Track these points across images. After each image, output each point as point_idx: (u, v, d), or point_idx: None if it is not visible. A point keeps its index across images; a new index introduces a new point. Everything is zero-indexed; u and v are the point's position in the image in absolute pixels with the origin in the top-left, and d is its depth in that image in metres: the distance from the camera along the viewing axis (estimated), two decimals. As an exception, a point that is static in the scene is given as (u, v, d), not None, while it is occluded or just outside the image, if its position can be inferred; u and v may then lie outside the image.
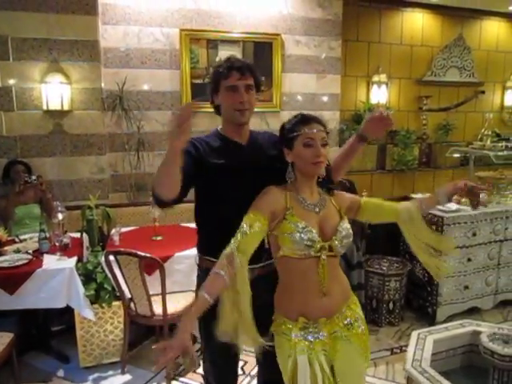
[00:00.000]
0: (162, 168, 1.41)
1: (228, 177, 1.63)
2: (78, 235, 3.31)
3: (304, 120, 1.55)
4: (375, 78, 4.81)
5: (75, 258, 2.91)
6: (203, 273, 1.73)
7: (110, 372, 2.96)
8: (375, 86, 4.81)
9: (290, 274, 1.55)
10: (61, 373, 2.96)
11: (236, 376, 1.89)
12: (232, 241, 1.43)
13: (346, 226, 1.58)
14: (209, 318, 1.67)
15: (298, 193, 1.55)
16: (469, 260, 3.52)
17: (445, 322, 3.28)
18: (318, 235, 1.50)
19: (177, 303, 2.91)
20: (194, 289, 3.02)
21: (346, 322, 1.56)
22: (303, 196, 1.55)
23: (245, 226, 1.45)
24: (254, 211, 1.48)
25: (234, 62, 1.67)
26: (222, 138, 1.74)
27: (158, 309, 2.80)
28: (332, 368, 1.52)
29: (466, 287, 3.56)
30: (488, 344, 1.99)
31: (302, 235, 1.46)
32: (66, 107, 3.59)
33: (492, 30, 5.54)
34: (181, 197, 1.53)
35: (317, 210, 1.56)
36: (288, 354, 1.50)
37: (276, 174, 1.61)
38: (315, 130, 1.51)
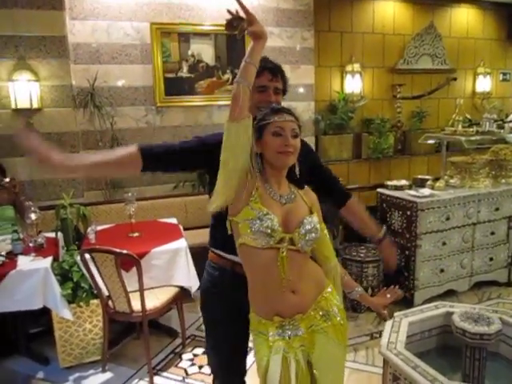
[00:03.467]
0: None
1: None
2: (53, 235, 3.26)
3: (275, 110, 1.53)
4: (349, 68, 4.85)
5: (50, 258, 2.87)
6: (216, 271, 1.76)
7: (91, 371, 2.94)
8: (349, 76, 4.84)
9: (250, 266, 1.51)
10: (41, 375, 2.92)
11: (243, 365, 1.85)
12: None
13: (313, 220, 1.51)
14: (210, 303, 1.76)
15: (266, 182, 1.52)
16: (444, 244, 3.59)
17: (423, 305, 3.34)
18: (281, 226, 1.45)
19: (155, 299, 2.90)
20: (175, 284, 3.06)
21: (321, 314, 1.52)
22: (271, 186, 1.52)
23: None
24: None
25: (268, 62, 1.70)
26: None
27: (136, 305, 2.78)
28: (309, 362, 1.50)
29: (442, 270, 3.63)
30: (459, 323, 2.03)
31: (262, 222, 1.42)
32: (35, 105, 3.52)
33: (462, 17, 5.62)
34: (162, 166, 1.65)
35: (283, 201, 1.51)
36: (264, 354, 1.47)
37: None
38: (285, 119, 1.50)
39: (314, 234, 1.50)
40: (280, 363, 1.43)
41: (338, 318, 1.55)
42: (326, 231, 1.62)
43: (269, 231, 1.42)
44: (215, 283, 1.75)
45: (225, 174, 1.41)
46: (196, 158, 1.66)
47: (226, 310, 1.71)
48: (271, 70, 1.68)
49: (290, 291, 1.47)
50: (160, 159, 1.61)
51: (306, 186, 1.63)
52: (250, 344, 1.68)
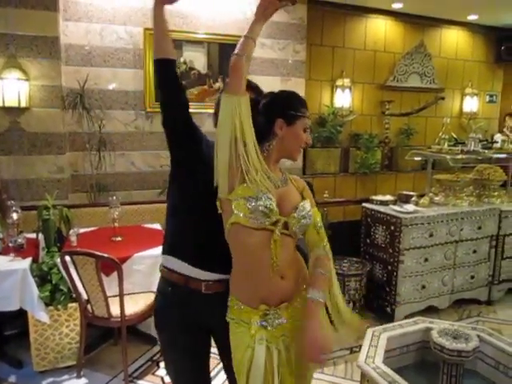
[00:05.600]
0: (154, 29, 1.57)
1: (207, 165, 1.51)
2: (34, 236, 3.21)
3: (305, 104, 1.58)
4: (339, 82, 4.90)
5: (30, 259, 2.83)
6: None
7: (66, 376, 2.89)
8: (339, 90, 4.89)
9: (240, 247, 1.46)
10: (13, 378, 2.86)
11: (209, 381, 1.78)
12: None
13: (307, 206, 1.50)
14: (165, 321, 1.67)
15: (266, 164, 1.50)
16: (426, 260, 3.62)
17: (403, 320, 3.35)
18: (277, 207, 1.44)
19: (135, 304, 2.87)
20: (155, 290, 3.02)
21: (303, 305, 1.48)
22: (268, 168, 1.50)
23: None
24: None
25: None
26: None
27: (115, 310, 2.75)
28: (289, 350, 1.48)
29: (423, 287, 3.65)
30: (438, 339, 2.04)
31: (261, 201, 1.38)
32: (23, 104, 3.49)
33: (451, 38, 5.74)
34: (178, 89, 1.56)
35: (277, 184, 1.50)
36: (247, 345, 1.44)
37: None
38: (309, 117, 1.59)
39: (308, 220, 1.49)
40: (264, 354, 1.42)
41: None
42: (319, 218, 1.59)
43: (266, 211, 1.39)
44: (170, 300, 1.64)
45: (221, 149, 1.40)
46: (185, 130, 1.58)
47: (183, 325, 1.62)
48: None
49: (279, 276, 1.45)
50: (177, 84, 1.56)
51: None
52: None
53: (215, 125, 1.55)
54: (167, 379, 2.87)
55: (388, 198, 3.92)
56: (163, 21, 1.55)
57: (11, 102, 3.45)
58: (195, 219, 1.59)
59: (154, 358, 3.10)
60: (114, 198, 3.24)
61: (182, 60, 4.19)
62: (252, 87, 1.61)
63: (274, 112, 1.53)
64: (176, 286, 1.61)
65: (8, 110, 3.52)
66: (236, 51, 1.41)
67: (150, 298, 2.95)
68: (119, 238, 3.20)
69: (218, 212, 1.48)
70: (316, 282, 1.48)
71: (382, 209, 3.75)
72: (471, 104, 5.86)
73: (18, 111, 3.55)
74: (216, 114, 1.57)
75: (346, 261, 3.82)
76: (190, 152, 1.58)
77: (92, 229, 3.50)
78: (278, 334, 1.45)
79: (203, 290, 1.57)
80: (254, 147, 1.41)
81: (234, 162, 1.39)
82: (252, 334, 1.43)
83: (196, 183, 1.57)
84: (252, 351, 1.43)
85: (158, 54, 1.55)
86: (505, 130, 5.53)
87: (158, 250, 3.00)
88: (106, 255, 2.60)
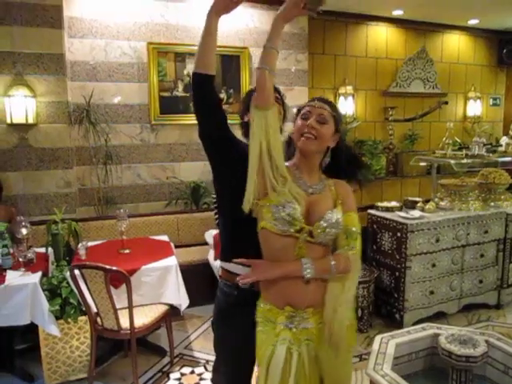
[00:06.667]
0: (200, 40, 1.50)
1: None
2: (43, 250, 3.25)
3: (313, 98, 1.58)
4: (342, 90, 4.94)
5: (40, 273, 2.86)
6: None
7: (77, 389, 2.90)
8: (342, 98, 4.92)
9: (268, 251, 1.50)
10: (25, 392, 2.89)
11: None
12: None
13: (336, 215, 1.47)
14: (222, 327, 1.73)
15: (297, 169, 1.53)
16: (433, 265, 3.60)
17: (411, 327, 3.34)
18: (303, 217, 1.45)
19: (144, 316, 2.89)
20: (164, 302, 3.03)
21: None
22: (300, 174, 1.53)
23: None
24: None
25: None
26: None
27: (125, 323, 2.76)
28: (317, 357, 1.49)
29: (432, 292, 3.64)
30: (446, 345, 2.04)
31: (285, 209, 1.41)
32: (30, 121, 3.56)
33: (453, 43, 5.76)
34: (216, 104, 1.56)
35: (310, 191, 1.51)
36: (271, 343, 1.47)
37: None
38: (315, 105, 1.53)
39: (333, 230, 1.47)
40: (284, 354, 1.44)
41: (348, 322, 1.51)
42: (352, 225, 1.51)
43: (290, 219, 1.42)
44: (234, 301, 1.68)
45: (251, 160, 1.42)
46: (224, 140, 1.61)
47: (245, 322, 1.62)
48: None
49: (304, 282, 1.45)
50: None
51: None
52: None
53: (243, 134, 1.69)
54: (177, 390, 2.88)
55: (393, 204, 3.92)
56: (215, 33, 1.50)
57: (19, 118, 3.52)
58: (251, 228, 1.57)
59: (164, 370, 3.11)
60: (122, 210, 3.28)
61: (185, 72, 4.25)
62: (280, 99, 1.69)
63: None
64: (241, 289, 1.62)
65: (16, 127, 3.60)
66: (259, 65, 1.42)
67: (158, 310, 2.97)
68: (127, 251, 3.23)
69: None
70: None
71: (387, 215, 3.75)
72: (475, 108, 5.87)
73: (25, 128, 3.63)
74: (241, 125, 1.68)
75: (353, 268, 3.81)
76: (230, 167, 1.61)
77: (100, 242, 3.53)
78: (302, 338, 1.47)
79: None
80: (281, 158, 1.45)
81: (264, 172, 1.43)
82: (276, 333, 1.46)
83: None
84: (273, 349, 1.46)
85: (200, 68, 1.51)
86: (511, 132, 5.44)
87: (166, 261, 3.08)
88: (114, 268, 2.62)
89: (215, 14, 1.48)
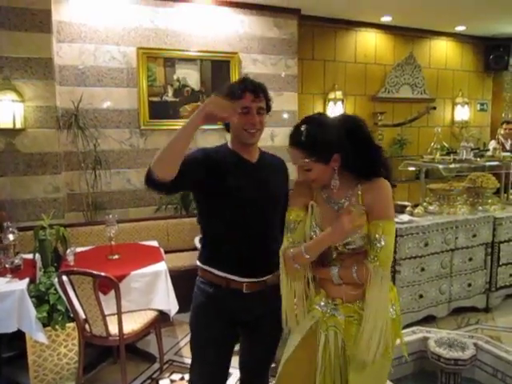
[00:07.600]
0: (170, 142, 1.42)
1: (238, 191, 1.65)
2: (31, 256, 3.21)
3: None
4: (331, 95, 4.97)
5: (27, 280, 2.83)
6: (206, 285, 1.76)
7: (65, 397, 2.86)
8: (331, 103, 4.95)
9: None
10: (12, 400, 2.84)
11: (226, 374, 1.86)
12: (284, 239, 1.57)
13: (356, 235, 1.47)
14: (196, 324, 1.78)
15: (323, 188, 1.56)
16: (422, 269, 3.63)
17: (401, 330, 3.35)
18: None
19: (133, 322, 2.86)
20: (154, 308, 3.01)
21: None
22: (328, 191, 1.55)
23: (289, 222, 1.58)
24: (291, 207, 1.61)
25: (249, 83, 1.69)
26: (233, 154, 1.74)
27: (114, 329, 2.74)
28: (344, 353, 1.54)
29: (421, 296, 3.65)
30: (435, 349, 2.05)
31: (306, 228, 1.55)
32: (18, 125, 3.52)
33: (440, 49, 5.84)
34: (177, 184, 1.52)
35: (335, 207, 1.54)
36: (302, 316, 1.60)
37: (282, 196, 1.77)
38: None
39: (353, 246, 1.50)
40: (307, 327, 1.56)
41: None
42: (376, 233, 1.45)
43: (307, 238, 1.56)
44: (210, 298, 1.74)
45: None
46: (198, 170, 1.61)
47: (218, 318, 1.73)
48: (253, 91, 1.68)
49: (334, 284, 1.56)
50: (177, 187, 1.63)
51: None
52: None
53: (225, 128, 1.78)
54: (167, 397, 2.85)
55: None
56: (191, 139, 1.46)
57: (6, 123, 3.48)
58: (233, 236, 1.69)
59: (154, 376, 3.08)
60: (111, 216, 3.25)
61: (175, 78, 4.25)
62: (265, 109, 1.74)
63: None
64: (217, 286, 1.71)
65: (3, 132, 3.56)
66: (305, 251, 1.50)
67: (148, 316, 2.95)
68: (116, 256, 3.20)
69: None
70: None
71: (377, 219, 3.77)
72: (462, 113, 5.94)
73: (13, 133, 3.59)
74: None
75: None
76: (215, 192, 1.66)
77: (89, 248, 3.50)
78: (330, 323, 1.55)
79: (244, 290, 1.69)
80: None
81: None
82: (309, 310, 1.59)
83: (229, 207, 1.67)
84: (301, 320, 1.59)
85: (157, 173, 1.45)
86: (500, 137, 5.45)
87: (156, 267, 3.05)
88: (103, 274, 2.60)
89: (202, 119, 1.41)
